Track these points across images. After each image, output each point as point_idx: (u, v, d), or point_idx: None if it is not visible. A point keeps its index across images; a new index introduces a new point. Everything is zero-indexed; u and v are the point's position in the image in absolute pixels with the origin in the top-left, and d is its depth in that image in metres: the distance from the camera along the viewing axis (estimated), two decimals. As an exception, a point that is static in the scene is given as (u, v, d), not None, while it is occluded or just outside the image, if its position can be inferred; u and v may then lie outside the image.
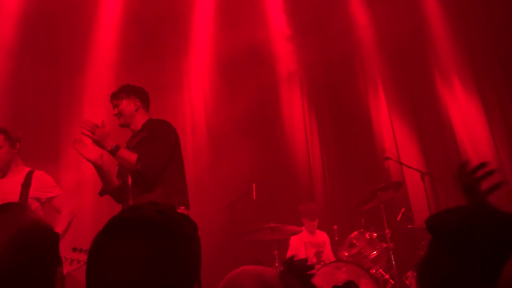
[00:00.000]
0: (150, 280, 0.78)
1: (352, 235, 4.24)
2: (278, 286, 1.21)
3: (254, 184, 4.27)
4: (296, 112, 6.20)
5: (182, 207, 2.72)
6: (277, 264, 3.97)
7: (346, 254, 4.19)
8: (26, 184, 2.90)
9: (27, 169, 3.08)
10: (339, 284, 3.98)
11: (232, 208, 4.45)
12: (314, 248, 4.67)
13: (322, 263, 4.42)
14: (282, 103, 6.17)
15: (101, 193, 2.92)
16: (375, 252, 4.12)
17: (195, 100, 5.90)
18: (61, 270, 0.99)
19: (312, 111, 6.29)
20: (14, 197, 2.82)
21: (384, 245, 4.16)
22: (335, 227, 4.79)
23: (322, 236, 4.82)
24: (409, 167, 4.79)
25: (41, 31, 5.07)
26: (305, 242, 4.70)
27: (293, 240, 4.73)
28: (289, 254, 4.67)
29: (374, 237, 4.20)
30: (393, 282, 4.13)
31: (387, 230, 4.24)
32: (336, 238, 4.73)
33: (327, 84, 6.38)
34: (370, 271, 3.99)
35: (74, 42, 5.25)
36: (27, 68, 4.83)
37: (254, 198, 4.20)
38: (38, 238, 0.98)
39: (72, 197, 4.81)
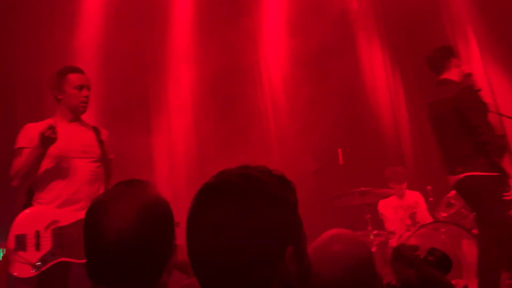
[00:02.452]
0: (242, 242, 0.79)
1: (450, 194, 4.00)
2: (369, 250, 1.18)
3: (340, 149, 4.19)
4: (377, 70, 5.88)
5: None
6: (370, 228, 3.91)
7: (444, 215, 3.97)
8: (99, 140, 2.79)
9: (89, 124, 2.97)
10: (439, 246, 3.83)
11: (318, 175, 4.43)
12: (406, 211, 4.51)
13: (418, 224, 4.27)
14: (362, 61, 5.88)
15: None
16: (476, 211, 3.84)
17: (272, 67, 5.84)
18: (176, 243, 1.07)
19: (395, 66, 5.92)
20: (95, 150, 2.73)
21: (486, 203, 3.86)
22: (429, 187, 4.57)
23: (413, 197, 4.64)
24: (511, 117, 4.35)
25: (123, 26, 5.32)
26: (394, 206, 4.56)
27: (381, 205, 4.61)
28: (384, 220, 4.58)
29: (474, 195, 3.90)
30: (499, 242, 3.84)
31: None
32: (431, 199, 4.52)
33: (409, 36, 5.93)
34: (472, 231, 3.76)
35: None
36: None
37: (341, 163, 4.13)
38: (161, 212, 1.06)
39: (164, 164, 5.14)
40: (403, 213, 4.50)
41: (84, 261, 1.04)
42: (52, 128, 2.43)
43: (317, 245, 1.18)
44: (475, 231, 3.79)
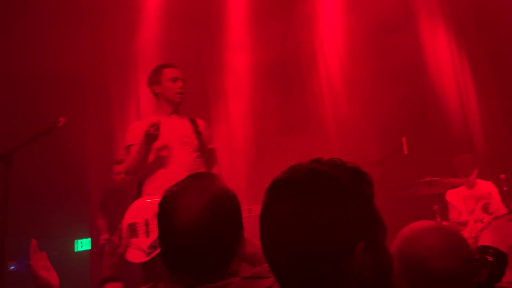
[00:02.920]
0: (309, 237, 0.80)
1: (527, 183, 3.73)
2: (464, 240, 1.12)
3: (404, 138, 4.03)
4: (441, 50, 5.56)
5: None
6: (438, 219, 3.74)
7: (521, 205, 3.72)
8: (196, 130, 2.92)
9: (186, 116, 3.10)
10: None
11: (382, 165, 4.30)
12: (477, 202, 4.26)
13: (492, 215, 4.04)
14: (424, 42, 5.57)
15: None
16: (558, 202, 3.56)
17: (329, 52, 5.69)
18: (243, 234, 1.09)
19: (461, 45, 5.55)
20: (192, 140, 2.86)
21: None
22: (502, 176, 4.29)
23: (486, 187, 4.37)
24: None
25: (180, 18, 5.45)
26: (464, 196, 4.32)
27: (450, 195, 4.39)
28: (449, 211, 4.36)
29: (556, 184, 3.63)
30: None
31: None
32: (505, 188, 4.24)
33: (477, 16, 5.55)
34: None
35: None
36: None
37: (406, 152, 3.97)
38: (229, 204, 1.09)
39: (224, 153, 5.23)
40: (474, 204, 4.26)
41: None
42: (155, 125, 2.60)
43: (409, 238, 1.15)
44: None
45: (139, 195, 2.77)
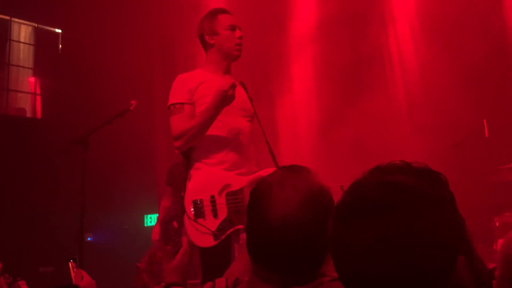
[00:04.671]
0: (400, 264, 0.70)
1: None
2: None
3: (485, 120, 3.71)
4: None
5: None
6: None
7: None
8: (249, 95, 2.54)
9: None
10: None
11: (460, 149, 4.00)
12: None
13: None
14: (509, 28, 5.05)
15: None
16: None
17: (402, 40, 5.36)
18: None
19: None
20: (249, 107, 2.50)
21: None
22: None
23: None
24: None
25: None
26: None
27: None
28: None
29: None
30: None
31: None
32: None
33: None
34: None
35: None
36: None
37: (487, 135, 3.66)
38: (325, 202, 1.02)
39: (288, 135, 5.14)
40: None
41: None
42: (233, 86, 2.22)
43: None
44: None
45: (189, 164, 2.38)
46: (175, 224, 3.92)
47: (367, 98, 4.94)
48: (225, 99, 2.22)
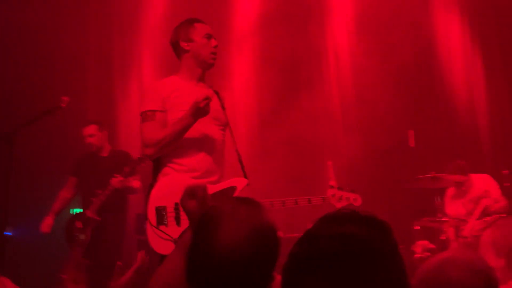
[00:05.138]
0: None
1: (533, 184, 3.71)
2: (494, 274, 1.07)
3: (411, 131, 3.99)
4: (454, 42, 5.41)
5: None
6: (439, 215, 3.75)
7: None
8: (222, 104, 2.55)
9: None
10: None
11: (388, 156, 4.27)
12: (476, 203, 4.18)
13: (491, 213, 4.04)
14: (437, 33, 5.44)
15: None
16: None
17: (338, 38, 5.55)
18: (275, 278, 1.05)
19: (476, 41, 5.41)
20: (221, 116, 2.52)
21: None
22: (505, 171, 4.26)
23: (482, 184, 4.24)
24: None
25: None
26: (463, 202, 4.21)
27: (449, 192, 4.33)
28: (446, 206, 4.31)
29: (562, 186, 3.60)
30: None
31: None
32: (507, 184, 4.22)
33: (494, 7, 5.38)
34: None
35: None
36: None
37: (412, 145, 3.94)
38: (271, 241, 1.04)
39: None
40: (473, 206, 4.19)
41: None
42: (208, 99, 2.22)
43: (430, 267, 1.09)
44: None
45: (158, 169, 2.36)
46: (78, 224, 3.75)
47: (304, 96, 5.07)
48: (198, 111, 2.23)
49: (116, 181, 3.65)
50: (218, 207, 1.07)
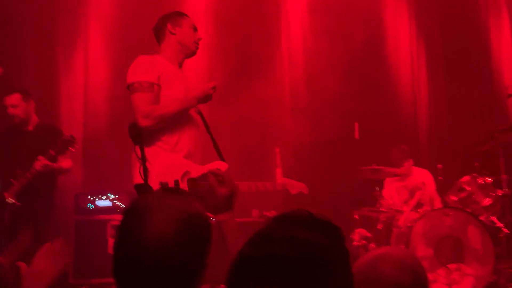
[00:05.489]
0: None
1: (463, 179, 3.96)
2: (423, 271, 1.13)
3: (356, 123, 4.11)
4: (402, 40, 5.62)
5: None
6: (377, 205, 3.92)
7: (455, 199, 3.96)
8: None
9: None
10: (445, 229, 3.80)
11: (333, 147, 4.38)
12: (411, 192, 4.44)
13: (423, 205, 4.29)
14: (387, 29, 5.62)
15: None
16: (487, 199, 3.83)
17: (292, 24, 5.56)
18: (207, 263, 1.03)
19: (421, 37, 5.64)
20: None
21: (500, 192, 3.85)
22: (440, 166, 4.52)
23: (420, 176, 4.55)
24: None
25: None
26: (397, 187, 4.48)
27: (387, 183, 4.55)
28: (384, 195, 4.53)
29: (489, 182, 3.88)
30: (507, 231, 3.85)
31: (504, 176, 3.90)
32: (440, 178, 4.49)
33: (439, 5, 5.63)
34: (480, 218, 3.76)
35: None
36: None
37: (357, 137, 4.07)
38: (202, 230, 1.02)
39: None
40: (407, 194, 4.45)
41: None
42: (215, 88, 2.44)
43: (364, 262, 1.13)
44: (482, 217, 3.80)
45: (143, 145, 2.35)
46: None
47: (255, 80, 5.04)
48: (206, 97, 2.43)
49: (40, 164, 3.29)
50: (142, 200, 1.03)
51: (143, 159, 2.30)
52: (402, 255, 1.12)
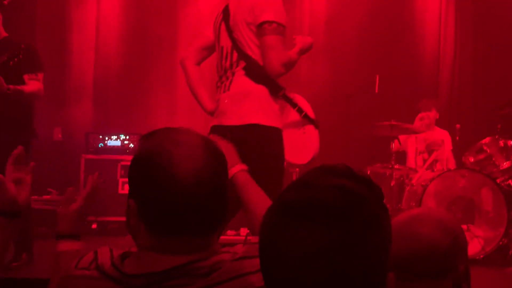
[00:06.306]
0: (332, 271, 0.67)
1: (484, 141, 3.83)
2: (463, 234, 1.05)
3: (377, 76, 3.94)
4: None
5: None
6: (393, 162, 3.83)
7: (472, 160, 3.85)
8: None
9: None
10: (458, 190, 3.73)
11: (352, 101, 4.24)
12: (428, 146, 4.34)
13: (438, 162, 4.21)
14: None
15: None
16: (507, 162, 3.71)
17: None
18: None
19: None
20: None
21: (521, 155, 3.73)
22: (458, 126, 4.40)
23: (441, 134, 4.48)
24: None
25: None
26: (417, 137, 4.39)
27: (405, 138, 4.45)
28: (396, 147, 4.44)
29: (510, 145, 3.75)
30: (523, 196, 3.77)
31: (525, 139, 3.77)
32: (457, 138, 4.39)
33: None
34: (496, 180, 3.68)
35: None
36: None
37: (376, 91, 3.91)
38: (219, 151, 0.94)
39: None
40: (425, 146, 4.36)
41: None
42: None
43: (401, 220, 1.06)
44: (499, 180, 3.71)
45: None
46: None
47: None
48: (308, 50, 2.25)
49: None
50: (156, 143, 0.90)
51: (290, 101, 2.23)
52: (442, 216, 1.06)
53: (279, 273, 0.70)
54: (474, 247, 3.57)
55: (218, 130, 2.16)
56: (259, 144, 2.10)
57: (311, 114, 2.29)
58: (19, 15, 3.77)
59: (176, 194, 0.85)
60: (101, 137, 4.37)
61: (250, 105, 2.14)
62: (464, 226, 3.74)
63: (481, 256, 3.50)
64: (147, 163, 0.89)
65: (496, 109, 4.01)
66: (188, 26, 5.03)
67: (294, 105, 2.23)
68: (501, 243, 3.56)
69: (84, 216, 1.26)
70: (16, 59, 2.64)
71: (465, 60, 5.34)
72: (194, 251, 0.88)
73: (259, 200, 1.22)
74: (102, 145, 4.34)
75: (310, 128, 2.27)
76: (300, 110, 2.23)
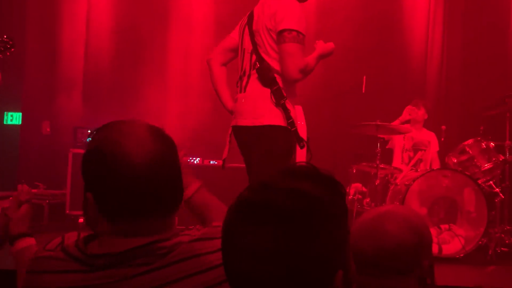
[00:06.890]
0: (281, 270, 0.71)
1: (466, 142, 3.91)
2: (428, 231, 1.09)
3: (364, 77, 3.99)
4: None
5: None
6: (377, 162, 3.89)
7: (455, 160, 3.93)
8: None
9: None
10: (441, 190, 3.81)
11: (340, 100, 4.29)
12: (414, 145, 4.41)
13: (422, 162, 4.29)
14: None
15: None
16: (488, 164, 3.80)
17: None
18: None
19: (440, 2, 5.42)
20: None
21: (501, 157, 3.81)
22: (443, 127, 4.48)
23: (428, 136, 4.55)
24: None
25: None
26: (404, 136, 4.45)
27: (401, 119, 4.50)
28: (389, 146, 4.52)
29: (491, 147, 3.84)
30: (503, 197, 3.86)
31: (507, 141, 3.85)
32: (442, 139, 4.47)
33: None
34: (478, 181, 3.76)
35: None
36: None
37: (363, 91, 3.97)
38: (166, 135, 0.99)
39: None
40: (410, 145, 4.43)
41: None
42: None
43: (369, 218, 1.10)
44: (480, 181, 3.79)
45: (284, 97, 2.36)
46: None
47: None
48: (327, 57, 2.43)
49: None
50: (105, 133, 0.97)
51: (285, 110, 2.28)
52: (408, 214, 1.10)
53: (236, 267, 0.74)
54: (455, 246, 3.65)
55: (236, 130, 2.38)
56: (269, 144, 2.25)
57: (302, 131, 2.33)
58: (9, 8, 3.74)
59: (130, 179, 0.89)
60: (89, 131, 4.38)
61: (262, 106, 2.28)
62: (446, 226, 3.83)
63: (462, 255, 3.58)
64: (98, 155, 0.94)
65: (481, 110, 4.09)
66: (179, 19, 5.04)
67: (288, 117, 2.28)
68: (481, 242, 3.65)
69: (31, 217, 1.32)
70: None
71: (453, 62, 5.41)
72: (153, 233, 0.92)
73: (220, 212, 1.26)
74: (90, 139, 4.35)
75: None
76: (291, 124, 2.28)
